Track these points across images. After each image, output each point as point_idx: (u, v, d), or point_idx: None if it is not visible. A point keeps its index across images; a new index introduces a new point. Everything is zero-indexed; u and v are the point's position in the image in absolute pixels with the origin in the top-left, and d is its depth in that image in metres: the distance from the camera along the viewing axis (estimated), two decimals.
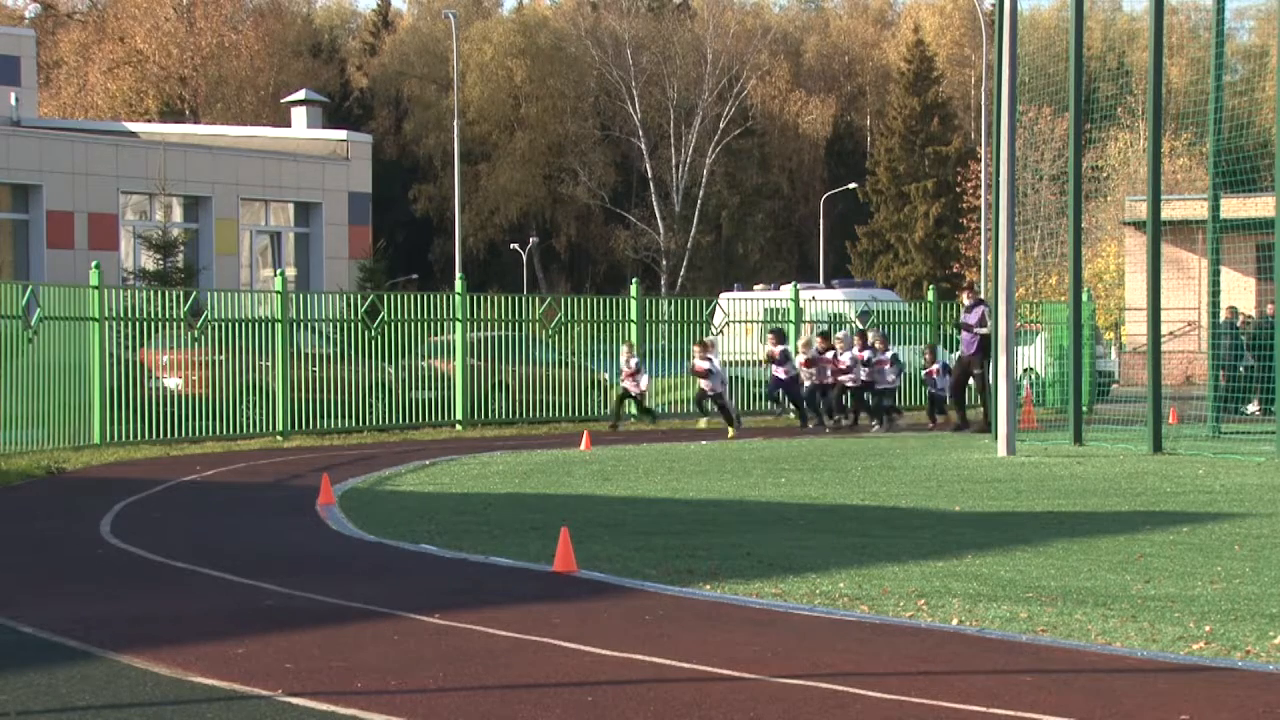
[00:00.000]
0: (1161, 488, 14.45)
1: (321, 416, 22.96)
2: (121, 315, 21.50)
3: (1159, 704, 6.11)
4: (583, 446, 20.22)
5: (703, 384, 23.38)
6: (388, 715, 5.97)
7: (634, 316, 26.58)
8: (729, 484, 15.12)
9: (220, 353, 21.97)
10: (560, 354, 26.06)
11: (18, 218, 35.67)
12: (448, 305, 25.16)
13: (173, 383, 21.70)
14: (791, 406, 24.92)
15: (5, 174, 35.06)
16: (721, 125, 74.66)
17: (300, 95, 46.07)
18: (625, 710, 6.04)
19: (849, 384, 24.19)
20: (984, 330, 22.55)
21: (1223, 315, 22.43)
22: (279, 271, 27.06)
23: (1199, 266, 30.49)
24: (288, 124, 45.13)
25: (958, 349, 24.16)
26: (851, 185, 72.95)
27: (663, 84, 75.04)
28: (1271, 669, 6.67)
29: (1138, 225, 35.38)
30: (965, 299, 23.19)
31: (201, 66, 66.32)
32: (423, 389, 24.33)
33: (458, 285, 25.50)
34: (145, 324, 21.79)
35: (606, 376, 26.28)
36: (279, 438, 21.97)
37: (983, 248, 44.15)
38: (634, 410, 24.80)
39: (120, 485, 15.01)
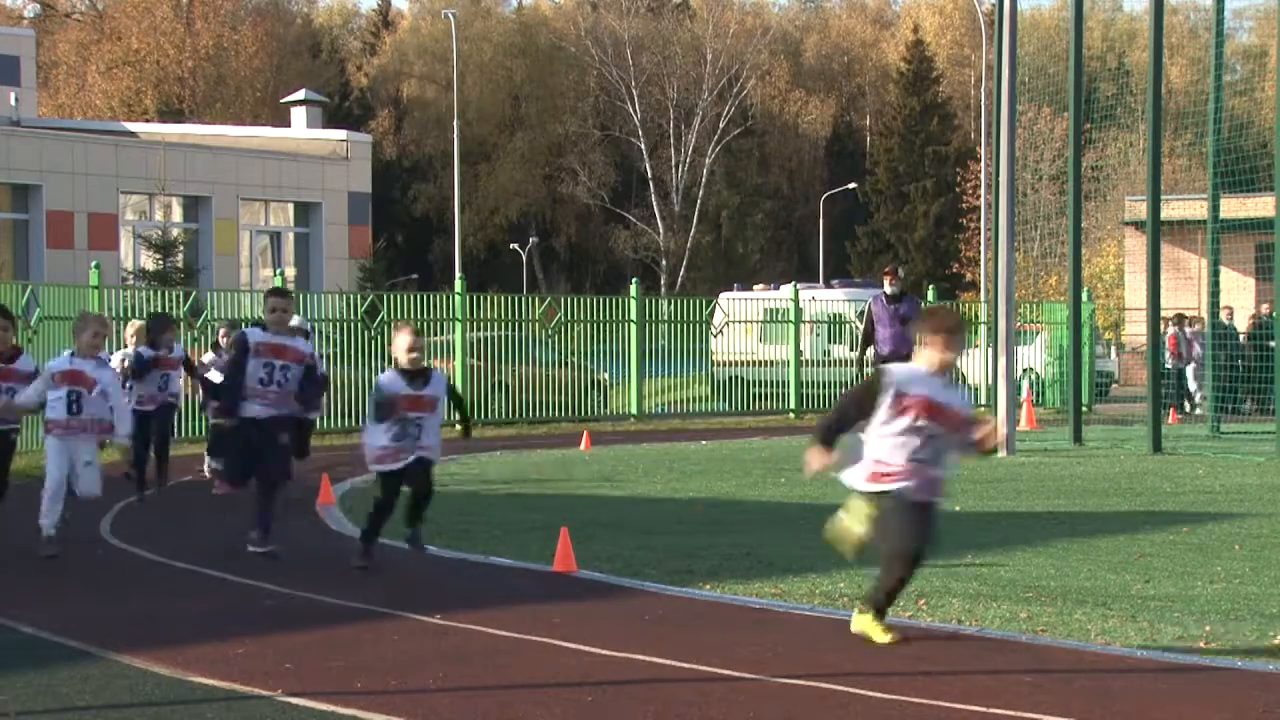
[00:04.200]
0: (1161, 488, 14.45)
1: (321, 416, 22.95)
2: (122, 315, 21.48)
3: (1159, 704, 6.11)
4: (582, 446, 20.22)
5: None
6: (388, 715, 5.97)
7: (634, 316, 26.58)
8: (729, 484, 15.12)
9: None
10: (560, 354, 26.07)
11: (18, 218, 35.68)
12: (448, 305, 25.16)
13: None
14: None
15: (5, 174, 35.07)
16: (721, 125, 74.67)
17: (300, 95, 46.11)
18: (625, 710, 6.04)
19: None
20: None
21: (1220, 315, 22.46)
22: (279, 271, 27.08)
23: (1199, 266, 30.49)
24: (287, 124, 45.16)
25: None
26: (851, 185, 72.95)
27: (662, 84, 75.05)
28: (1271, 669, 6.67)
29: (1138, 225, 35.38)
30: (890, 285, 18.58)
31: (200, 66, 66.31)
32: None
33: (458, 285, 25.51)
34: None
35: (607, 376, 26.29)
36: None
37: (983, 248, 44.15)
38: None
39: (120, 485, 14.98)
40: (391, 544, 10.88)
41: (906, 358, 18.51)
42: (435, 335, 24.82)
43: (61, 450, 10.50)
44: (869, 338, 18.47)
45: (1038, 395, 27.65)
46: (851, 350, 29.25)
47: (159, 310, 20.55)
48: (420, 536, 9.87)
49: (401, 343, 9.53)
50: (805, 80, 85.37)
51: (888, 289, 18.54)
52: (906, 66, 75.61)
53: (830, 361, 29.16)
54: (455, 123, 56.03)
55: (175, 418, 15.52)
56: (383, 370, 10.55)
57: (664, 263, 74.30)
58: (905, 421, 6.98)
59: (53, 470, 10.53)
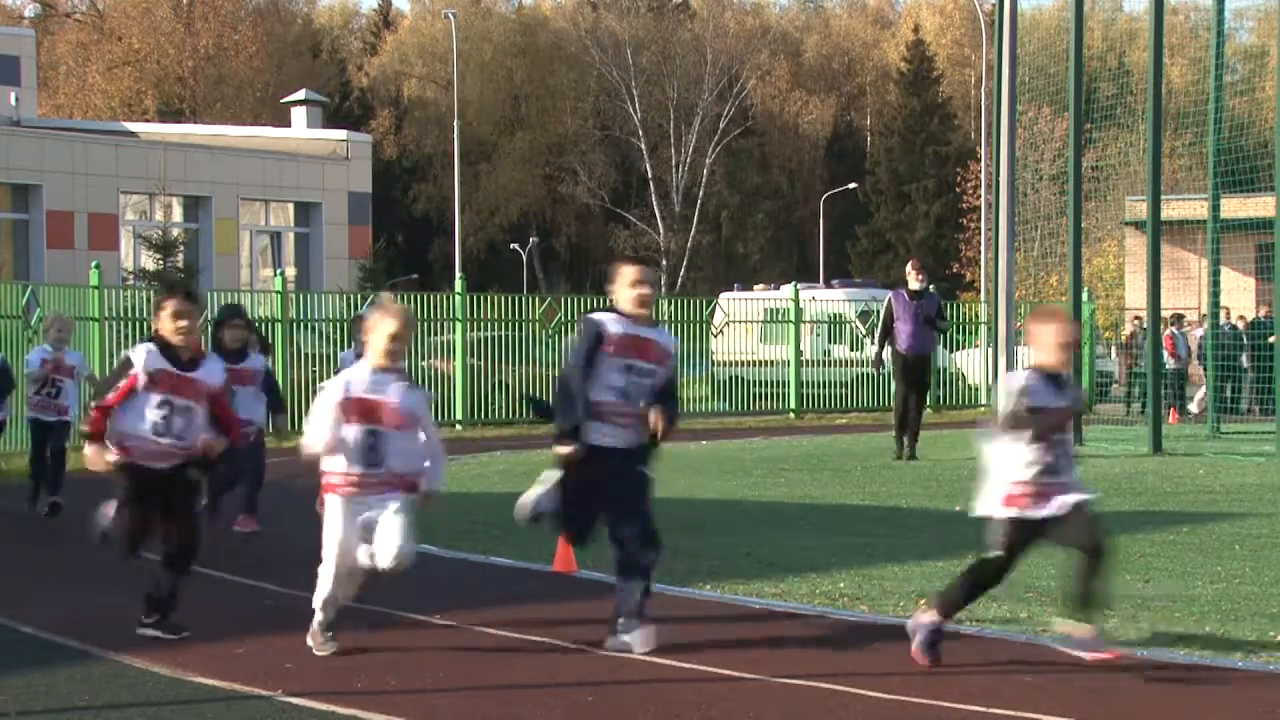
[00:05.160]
0: (1161, 488, 14.44)
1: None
2: (121, 315, 21.49)
3: (1159, 704, 6.11)
4: None
5: None
6: (388, 715, 5.96)
7: None
8: (729, 484, 15.11)
9: None
10: (560, 354, 26.05)
11: (18, 218, 35.67)
12: (448, 305, 25.16)
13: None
14: None
15: (5, 174, 35.08)
16: (721, 125, 74.67)
17: (300, 95, 46.11)
18: (625, 710, 6.03)
19: None
20: (946, 325, 18.78)
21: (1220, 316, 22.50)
22: (279, 271, 27.08)
23: (1199, 266, 30.49)
24: (288, 124, 45.15)
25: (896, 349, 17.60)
26: (851, 185, 72.96)
27: (663, 84, 75.04)
28: (1271, 669, 6.67)
29: (1138, 225, 35.37)
30: (917, 279, 17.61)
31: (200, 66, 66.31)
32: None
33: (458, 285, 25.51)
34: (145, 324, 21.78)
35: None
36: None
37: (983, 248, 44.13)
38: None
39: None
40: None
41: (926, 358, 17.58)
42: (435, 335, 24.83)
43: (350, 514, 7.03)
44: (887, 333, 17.44)
45: None
46: (853, 350, 29.30)
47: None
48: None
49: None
50: (805, 80, 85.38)
51: (913, 284, 17.47)
52: (907, 66, 75.64)
53: (830, 361, 29.16)
54: (455, 123, 56.02)
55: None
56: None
57: (664, 263, 74.31)
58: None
59: (332, 538, 7.07)
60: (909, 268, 17.93)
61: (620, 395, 7.16)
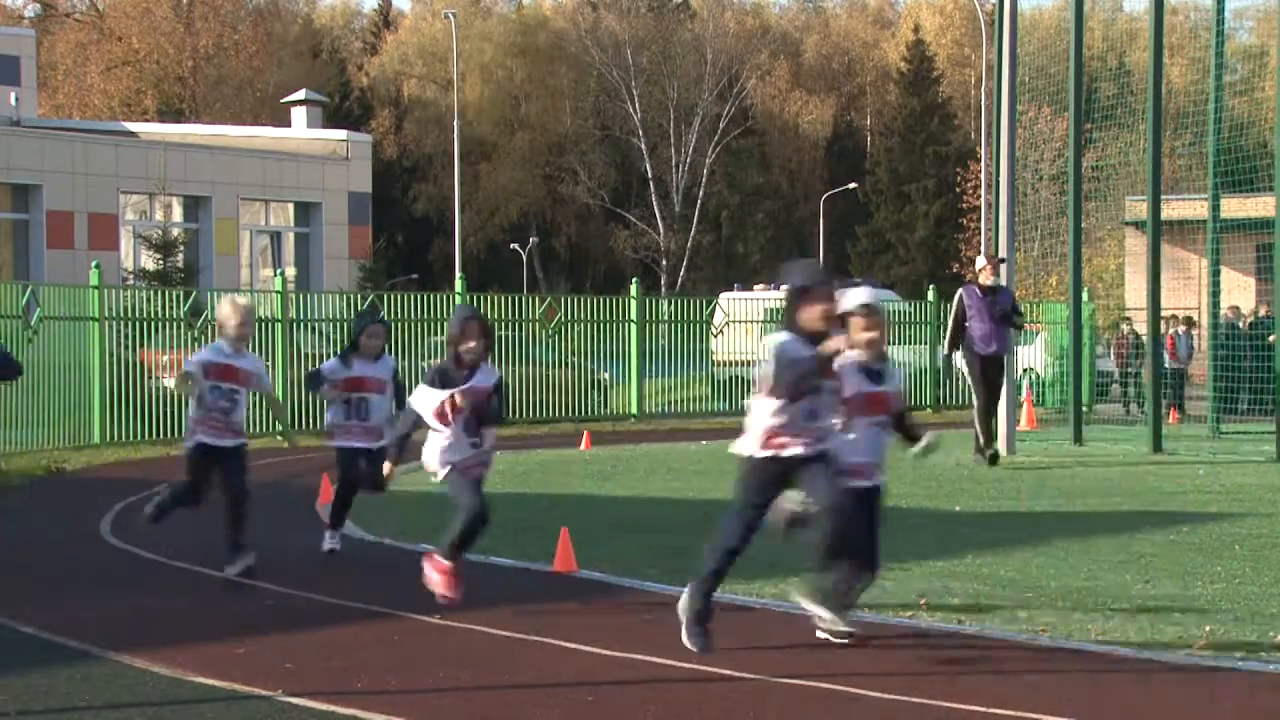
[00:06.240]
0: (1161, 488, 14.44)
1: (321, 417, 22.93)
2: (121, 315, 21.49)
3: (1159, 704, 6.11)
4: (582, 446, 20.21)
5: None
6: (388, 715, 5.97)
7: (634, 316, 26.58)
8: (729, 484, 15.08)
9: None
10: (560, 354, 26.06)
11: (18, 218, 35.68)
12: (448, 305, 25.16)
13: (173, 382, 21.68)
14: None
15: (5, 174, 35.09)
16: (721, 125, 74.70)
17: (300, 95, 46.11)
18: (625, 710, 6.04)
19: None
20: (1022, 321, 17.28)
21: (1223, 315, 22.47)
22: (279, 271, 27.09)
23: (1199, 266, 30.49)
24: (288, 124, 45.16)
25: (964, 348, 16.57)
26: (851, 185, 72.98)
27: (663, 84, 75.07)
28: (1271, 669, 6.67)
29: (1138, 225, 35.38)
30: (989, 274, 16.37)
31: (200, 66, 66.32)
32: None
33: (458, 285, 25.51)
34: (145, 324, 21.79)
35: (607, 376, 26.29)
36: (279, 438, 21.92)
37: (983, 248, 44.09)
38: None
39: (120, 485, 15.00)
40: (392, 544, 10.88)
41: (1003, 358, 16.58)
42: (435, 335, 24.83)
43: None
44: (960, 331, 16.32)
45: (1038, 395, 27.65)
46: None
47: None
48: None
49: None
50: (805, 80, 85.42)
51: (985, 280, 16.28)
52: (907, 66, 75.67)
53: None
54: (455, 123, 56.04)
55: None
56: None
57: (664, 263, 74.33)
58: None
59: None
60: (981, 262, 16.72)
61: None
